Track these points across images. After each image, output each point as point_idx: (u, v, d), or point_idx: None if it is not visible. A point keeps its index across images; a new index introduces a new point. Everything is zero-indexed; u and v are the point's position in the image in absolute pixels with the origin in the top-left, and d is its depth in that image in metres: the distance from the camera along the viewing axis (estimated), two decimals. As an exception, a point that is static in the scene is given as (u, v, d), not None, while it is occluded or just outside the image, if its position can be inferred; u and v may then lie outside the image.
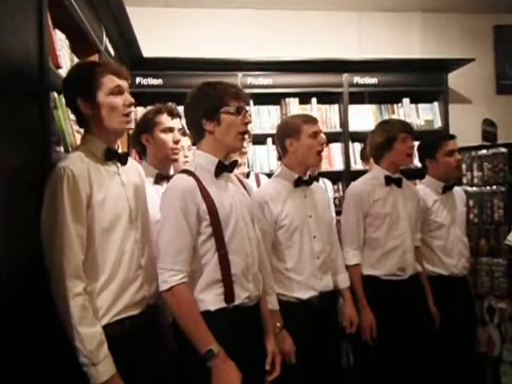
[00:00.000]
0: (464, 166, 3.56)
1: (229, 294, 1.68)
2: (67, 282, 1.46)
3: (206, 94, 1.74)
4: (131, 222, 1.67)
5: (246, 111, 1.78)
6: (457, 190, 2.90)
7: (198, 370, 1.60)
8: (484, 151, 3.52)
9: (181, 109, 2.90)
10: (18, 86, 1.44)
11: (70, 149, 1.82)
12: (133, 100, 1.68)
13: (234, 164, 1.83)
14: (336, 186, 4.01)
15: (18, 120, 1.43)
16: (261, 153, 4.10)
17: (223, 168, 1.77)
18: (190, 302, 1.63)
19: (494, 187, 3.40)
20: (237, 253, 1.71)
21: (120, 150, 1.75)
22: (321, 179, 3.43)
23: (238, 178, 1.92)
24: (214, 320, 1.64)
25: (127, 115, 1.66)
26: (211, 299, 1.67)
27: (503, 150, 3.41)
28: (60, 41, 2.01)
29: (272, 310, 2.04)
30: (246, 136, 2.90)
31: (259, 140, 4.04)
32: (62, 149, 1.80)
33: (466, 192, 3.20)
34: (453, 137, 2.82)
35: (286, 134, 2.26)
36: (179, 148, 2.25)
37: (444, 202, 2.77)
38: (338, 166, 4.16)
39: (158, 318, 1.78)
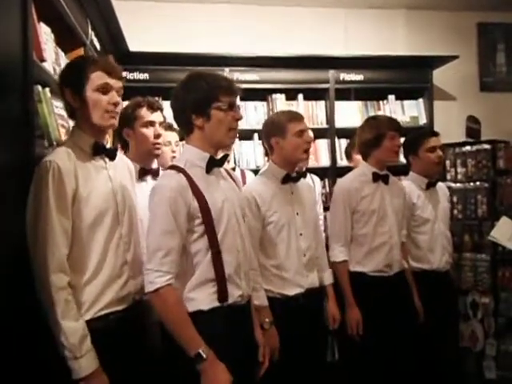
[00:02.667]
0: (448, 163, 3.61)
1: (222, 293, 1.63)
2: (51, 276, 1.45)
3: (197, 87, 1.66)
4: (117, 217, 1.66)
5: (238, 107, 1.72)
6: (440, 185, 2.94)
7: (188, 372, 1.55)
8: (468, 148, 3.57)
9: (166, 104, 2.88)
10: (1, 79, 1.42)
11: (55, 143, 1.80)
12: (118, 100, 1.66)
13: (225, 158, 1.78)
14: (322, 182, 4.02)
15: (1, 114, 1.41)
16: (247, 148, 4.09)
17: (214, 163, 1.72)
18: (177, 304, 1.58)
19: (478, 183, 3.45)
20: (229, 251, 1.66)
21: (109, 145, 1.74)
22: (309, 175, 3.44)
23: (227, 171, 1.88)
24: (208, 320, 1.60)
25: (111, 113, 1.64)
26: (203, 298, 1.62)
27: (486, 146, 3.46)
28: (45, 34, 1.98)
29: (261, 305, 2.04)
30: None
31: (245, 136, 4.03)
32: (46, 143, 1.78)
33: (449, 188, 3.24)
34: (435, 133, 2.85)
35: (271, 133, 2.24)
36: (161, 143, 2.23)
37: (428, 197, 2.81)
38: (325, 162, 4.18)
39: (145, 315, 1.76)
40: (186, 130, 1.73)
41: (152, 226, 1.61)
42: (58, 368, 1.47)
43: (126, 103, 3.64)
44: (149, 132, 2.18)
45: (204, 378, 1.54)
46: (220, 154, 1.85)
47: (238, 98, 4.20)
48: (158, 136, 2.19)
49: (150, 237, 1.61)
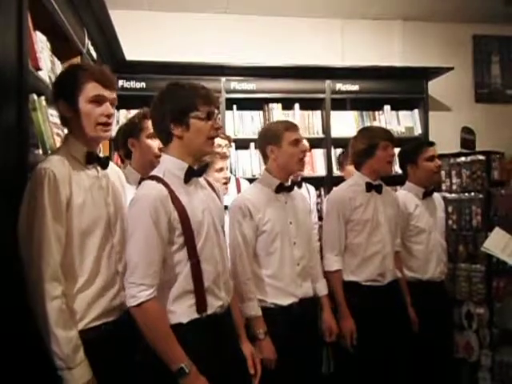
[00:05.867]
0: (443, 173, 3.62)
1: (201, 305, 1.62)
2: (45, 284, 1.44)
3: (175, 97, 1.66)
4: (109, 227, 1.66)
5: (217, 114, 1.72)
6: (436, 195, 2.96)
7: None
8: (462, 158, 3.58)
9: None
10: (-4, 87, 1.42)
11: (49, 151, 1.80)
12: (112, 111, 1.65)
13: (204, 168, 1.78)
14: (318, 192, 4.03)
15: (-4, 122, 1.41)
16: (244, 158, 4.10)
17: (192, 173, 1.71)
18: (160, 318, 1.55)
19: (472, 194, 3.46)
20: (208, 261, 1.66)
21: (101, 154, 1.73)
22: (304, 184, 3.45)
23: (207, 181, 1.86)
24: (188, 333, 1.58)
25: (104, 124, 1.63)
26: (183, 311, 1.60)
27: (481, 157, 3.47)
28: (41, 43, 1.99)
29: (255, 315, 2.04)
30: (227, 141, 2.91)
31: (242, 145, 4.05)
32: (40, 151, 1.78)
33: (444, 198, 3.25)
34: (432, 143, 2.89)
35: (267, 141, 2.25)
36: None
37: (425, 207, 2.82)
38: (321, 171, 4.19)
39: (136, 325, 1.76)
40: (164, 140, 1.72)
41: (133, 237, 1.58)
42: (50, 377, 1.45)
43: (122, 111, 3.70)
44: (153, 143, 2.18)
45: None
46: (219, 163, 1.78)
47: (235, 107, 4.23)
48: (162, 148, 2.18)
49: (131, 248, 1.58)
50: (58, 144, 1.88)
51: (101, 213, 1.63)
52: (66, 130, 1.80)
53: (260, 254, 2.17)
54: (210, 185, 1.85)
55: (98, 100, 1.61)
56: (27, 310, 1.46)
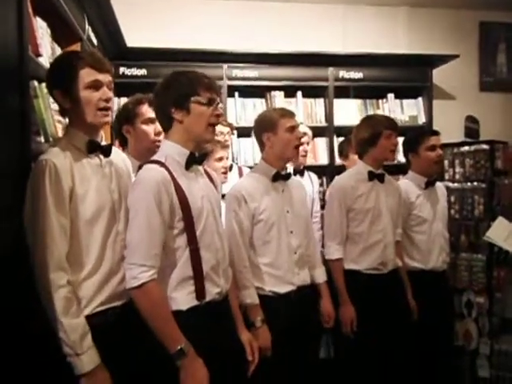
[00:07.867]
0: (446, 162, 3.60)
1: (200, 291, 1.64)
2: (51, 274, 1.46)
3: (177, 82, 1.69)
4: (114, 214, 1.67)
5: (218, 103, 1.73)
6: (438, 185, 2.95)
7: (167, 367, 1.57)
8: (466, 148, 3.55)
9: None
10: (-4, 74, 1.41)
11: (51, 139, 1.79)
12: (110, 95, 1.65)
13: (204, 156, 1.79)
14: (320, 180, 4.02)
15: (-3, 109, 1.41)
16: (245, 146, 4.09)
17: (194, 160, 1.72)
18: (160, 300, 1.58)
19: (475, 183, 3.44)
20: (208, 248, 1.68)
21: (104, 142, 1.73)
22: (306, 173, 3.44)
23: (205, 171, 1.87)
24: (187, 319, 1.60)
25: (104, 109, 1.62)
26: (183, 298, 1.63)
27: (485, 146, 3.45)
28: (41, 29, 1.97)
29: (252, 303, 2.05)
30: (229, 129, 2.90)
31: (244, 133, 4.02)
32: (42, 139, 1.78)
33: (447, 188, 3.24)
34: (436, 132, 2.86)
35: (263, 129, 2.24)
36: (161, 140, 2.22)
37: (427, 196, 2.82)
38: (323, 160, 4.18)
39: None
40: (165, 125, 1.74)
41: (135, 219, 1.59)
42: (60, 364, 1.48)
43: (123, 99, 3.68)
44: (149, 129, 2.17)
45: (183, 373, 1.55)
46: (219, 152, 1.79)
47: (237, 95, 4.20)
48: (158, 133, 2.16)
49: (133, 230, 1.59)
50: (60, 131, 1.88)
51: (105, 201, 1.64)
52: (67, 119, 1.79)
53: (257, 243, 2.17)
54: (207, 174, 1.86)
55: (94, 85, 1.60)
56: (37, 298, 1.48)
